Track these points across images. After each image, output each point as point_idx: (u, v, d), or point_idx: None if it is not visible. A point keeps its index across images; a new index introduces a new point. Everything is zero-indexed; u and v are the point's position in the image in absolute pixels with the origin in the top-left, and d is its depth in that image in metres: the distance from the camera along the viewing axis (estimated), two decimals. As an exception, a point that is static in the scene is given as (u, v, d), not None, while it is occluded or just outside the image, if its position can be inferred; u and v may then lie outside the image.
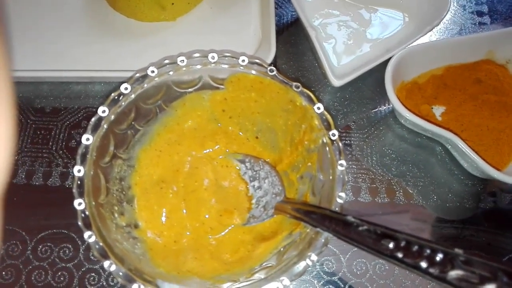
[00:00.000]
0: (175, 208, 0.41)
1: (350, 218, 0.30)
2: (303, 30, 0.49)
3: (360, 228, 0.29)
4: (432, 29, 0.48)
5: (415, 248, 0.26)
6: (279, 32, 0.55)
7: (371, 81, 0.51)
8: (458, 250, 0.25)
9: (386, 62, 0.46)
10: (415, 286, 0.43)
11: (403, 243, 0.27)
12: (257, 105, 0.42)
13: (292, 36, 0.55)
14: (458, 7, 0.59)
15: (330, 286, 0.43)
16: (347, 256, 0.44)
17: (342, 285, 0.43)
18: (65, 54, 0.52)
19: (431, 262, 0.25)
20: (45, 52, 0.52)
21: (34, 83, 0.51)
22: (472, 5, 0.59)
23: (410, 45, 0.47)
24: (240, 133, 0.45)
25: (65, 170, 0.47)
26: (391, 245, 0.27)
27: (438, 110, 0.49)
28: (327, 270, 0.44)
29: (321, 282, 0.43)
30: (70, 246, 0.44)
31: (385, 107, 0.51)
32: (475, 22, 0.58)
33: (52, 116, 0.50)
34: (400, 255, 0.27)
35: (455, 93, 0.49)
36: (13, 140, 0.22)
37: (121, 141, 0.39)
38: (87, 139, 0.36)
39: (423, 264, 0.25)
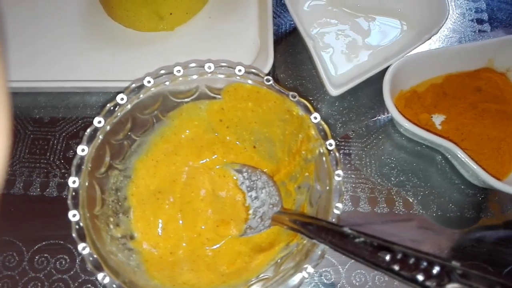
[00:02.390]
0: (171, 219, 0.41)
1: (346, 230, 0.30)
2: (301, 39, 0.49)
3: (357, 240, 0.29)
4: (430, 38, 0.48)
5: (412, 260, 0.26)
6: (278, 41, 0.55)
7: (370, 90, 0.51)
8: (455, 263, 0.24)
9: (384, 71, 0.45)
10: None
11: (399, 256, 0.26)
12: (254, 115, 0.42)
13: (290, 46, 0.55)
14: (457, 15, 0.58)
15: (329, 298, 0.42)
16: (346, 267, 0.43)
17: (341, 297, 0.42)
18: (63, 64, 0.52)
19: (428, 275, 0.25)
20: (42, 62, 0.52)
21: (32, 93, 0.51)
22: (472, 13, 0.58)
23: (409, 54, 0.46)
24: (238, 142, 0.44)
25: (62, 180, 0.47)
26: (387, 258, 0.27)
27: (438, 119, 0.48)
28: (325, 281, 0.43)
29: (320, 294, 0.43)
30: (66, 257, 0.44)
31: (384, 116, 0.50)
32: (475, 30, 0.57)
33: (50, 127, 0.50)
34: (396, 267, 0.26)
35: (455, 102, 0.48)
36: (8, 149, 0.21)
37: (117, 152, 0.39)
38: (82, 150, 0.35)
39: (420, 277, 0.25)
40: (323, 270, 0.43)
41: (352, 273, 0.43)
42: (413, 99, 0.47)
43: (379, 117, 0.50)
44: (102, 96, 0.51)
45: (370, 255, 0.28)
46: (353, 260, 0.43)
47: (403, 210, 0.46)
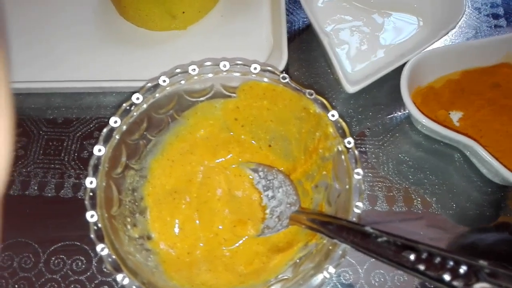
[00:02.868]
0: (188, 219, 0.41)
1: (368, 229, 0.30)
2: (315, 36, 0.49)
3: (380, 240, 0.28)
4: (447, 33, 0.47)
5: (438, 260, 0.25)
6: (291, 39, 0.54)
7: (386, 87, 0.50)
8: (482, 262, 0.24)
9: (400, 68, 0.45)
10: (433, 298, 0.42)
11: (424, 255, 0.26)
12: (269, 113, 0.42)
13: (304, 43, 0.55)
14: (473, 10, 0.57)
15: (348, 298, 0.42)
16: (365, 267, 0.43)
17: (360, 297, 0.42)
18: (76, 65, 0.52)
19: (455, 274, 0.24)
20: (55, 63, 0.52)
21: (46, 94, 0.51)
22: (488, 8, 0.58)
23: (426, 50, 0.46)
24: (253, 141, 0.44)
25: (77, 181, 0.47)
26: (412, 257, 0.26)
27: (455, 116, 0.47)
28: (344, 281, 0.42)
29: (338, 294, 0.42)
30: (82, 258, 0.44)
31: (400, 113, 0.50)
32: (491, 25, 0.56)
33: (64, 127, 0.50)
34: (422, 267, 0.26)
35: (473, 98, 0.48)
36: (9, 148, 0.21)
37: (133, 152, 0.39)
38: (99, 150, 0.35)
39: (447, 277, 0.24)
40: (342, 270, 0.43)
41: (371, 273, 0.43)
42: (430, 95, 0.47)
43: (395, 115, 0.50)
44: (116, 96, 0.51)
45: (394, 255, 0.27)
46: (372, 260, 0.43)
47: (421, 208, 0.45)
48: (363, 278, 0.42)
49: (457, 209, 0.45)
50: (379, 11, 0.53)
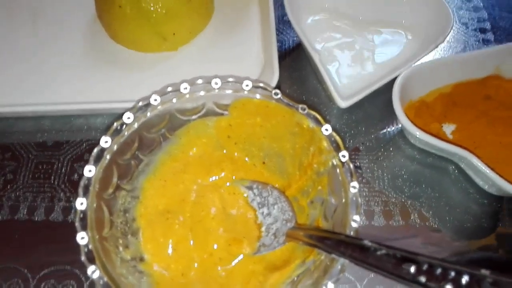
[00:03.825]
0: (181, 239, 0.40)
1: (367, 243, 0.29)
2: (306, 54, 0.49)
3: (379, 253, 0.28)
4: (436, 47, 0.47)
5: (439, 271, 0.25)
6: (281, 58, 0.54)
7: (378, 101, 0.50)
8: (484, 271, 0.23)
9: (392, 82, 0.45)
10: (437, 314, 0.41)
11: (425, 267, 0.25)
12: (263, 130, 0.41)
13: (294, 62, 0.55)
14: (460, 25, 0.58)
15: (347, 316, 0.41)
16: (364, 283, 0.42)
17: (360, 315, 0.41)
18: (66, 87, 0.52)
19: (457, 285, 0.24)
20: (44, 86, 0.52)
21: (35, 117, 0.51)
22: (475, 23, 0.58)
23: (416, 64, 0.46)
24: (247, 159, 0.43)
25: (67, 204, 0.46)
26: (412, 269, 0.26)
27: (448, 128, 0.47)
28: (343, 299, 0.41)
29: (338, 312, 0.41)
30: (74, 283, 0.42)
31: (393, 128, 0.50)
32: (479, 39, 0.57)
33: (54, 150, 0.49)
34: (423, 279, 0.25)
35: (465, 111, 0.48)
36: None
37: (124, 172, 0.38)
38: (89, 170, 0.34)
39: None
40: (340, 287, 0.42)
41: (371, 290, 0.42)
42: (422, 109, 0.47)
43: (389, 129, 0.50)
44: (107, 118, 0.51)
45: (394, 268, 0.27)
46: (371, 276, 0.42)
47: (419, 222, 0.45)
48: (363, 295, 0.42)
49: (455, 221, 0.45)
50: (367, 28, 0.54)
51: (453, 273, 0.24)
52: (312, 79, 0.53)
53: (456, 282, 0.23)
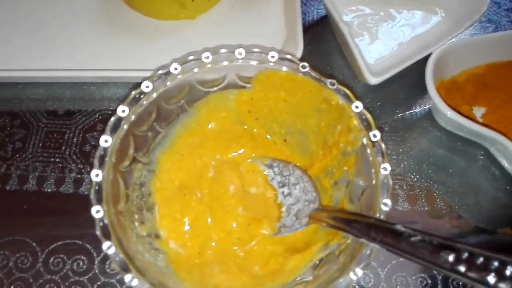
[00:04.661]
0: (199, 216, 0.38)
1: (400, 228, 0.27)
2: (331, 28, 0.46)
3: (413, 239, 0.26)
4: (472, 24, 0.45)
5: (480, 260, 0.23)
6: (304, 31, 0.51)
7: (405, 81, 0.48)
8: (530, 262, 0.22)
9: (420, 61, 0.43)
10: (461, 303, 0.39)
11: (465, 255, 0.23)
12: (286, 105, 0.39)
13: (317, 35, 0.52)
14: (493, 4, 0.56)
15: (368, 302, 0.39)
16: (386, 269, 0.40)
17: (381, 301, 0.39)
18: (79, 54, 0.49)
19: (500, 276, 0.22)
20: (57, 51, 0.49)
21: (46, 84, 0.48)
22: (507, 2, 0.56)
23: (451, 41, 0.43)
24: (267, 136, 0.41)
25: (79, 176, 0.44)
26: (451, 258, 0.24)
27: (478, 112, 0.45)
28: (364, 285, 0.40)
29: (358, 298, 0.40)
30: (84, 258, 0.41)
31: (420, 109, 0.48)
32: (511, 20, 0.54)
33: (65, 119, 0.47)
34: (462, 268, 0.23)
35: (496, 94, 0.46)
36: None
37: (141, 144, 0.36)
38: (105, 140, 0.32)
39: (491, 279, 0.22)
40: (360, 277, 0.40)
41: (393, 276, 0.40)
42: (452, 90, 0.45)
43: (416, 110, 0.48)
44: (120, 88, 0.48)
45: (430, 255, 0.25)
46: (393, 262, 0.41)
47: (444, 208, 0.43)
48: (384, 281, 0.40)
49: (482, 208, 0.43)
50: (398, 2, 0.51)
51: (496, 263, 0.22)
52: (336, 54, 0.50)
53: (499, 272, 0.22)
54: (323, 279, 0.31)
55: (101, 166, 0.32)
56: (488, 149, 0.45)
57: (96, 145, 0.32)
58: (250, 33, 0.51)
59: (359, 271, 0.30)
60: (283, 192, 0.39)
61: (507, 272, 0.22)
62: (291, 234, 0.37)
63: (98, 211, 0.31)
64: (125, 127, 0.33)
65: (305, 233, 0.37)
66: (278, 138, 0.41)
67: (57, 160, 0.45)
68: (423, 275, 0.40)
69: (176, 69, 0.35)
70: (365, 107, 0.33)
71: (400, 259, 0.41)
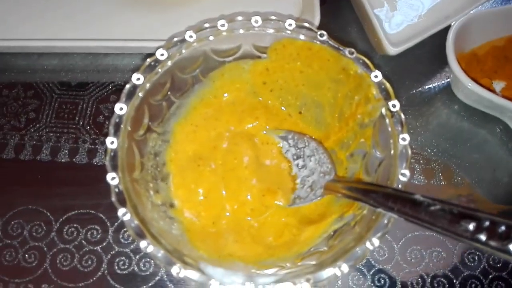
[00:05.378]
0: (213, 186, 0.38)
1: (419, 197, 0.27)
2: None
3: (432, 208, 0.25)
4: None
5: (502, 229, 0.22)
6: (320, 2, 0.50)
7: (423, 54, 0.47)
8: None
9: (439, 33, 0.42)
10: (476, 278, 0.39)
11: (486, 224, 0.23)
12: (302, 76, 0.38)
13: (334, 7, 0.51)
14: (515, -24, 0.54)
15: (382, 275, 0.39)
16: (400, 243, 0.40)
17: (395, 274, 0.39)
18: (94, 23, 0.48)
19: (523, 244, 0.21)
20: (72, 21, 0.48)
21: (59, 54, 0.48)
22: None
23: (471, 13, 0.42)
24: (282, 108, 0.41)
25: (92, 146, 0.44)
26: (471, 227, 0.23)
27: (498, 86, 0.44)
28: (378, 258, 0.40)
29: (372, 271, 0.39)
30: (98, 227, 0.41)
31: (439, 83, 0.47)
32: (534, -7, 0.53)
33: (78, 90, 0.47)
34: (483, 237, 0.23)
35: (517, 67, 0.44)
36: None
37: (155, 114, 0.36)
38: (120, 108, 0.32)
39: None
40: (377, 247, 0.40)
41: (407, 250, 0.40)
42: (472, 63, 0.44)
43: (434, 83, 0.47)
44: (134, 59, 0.48)
45: (450, 224, 0.24)
46: (408, 235, 0.40)
47: (461, 182, 0.42)
48: (399, 254, 0.40)
49: (499, 183, 0.42)
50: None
51: (518, 232, 0.22)
52: (352, 26, 0.49)
53: (522, 241, 0.21)
54: (339, 249, 0.31)
55: (116, 133, 0.32)
56: (507, 124, 0.44)
57: (110, 116, 0.31)
58: (266, 3, 0.49)
59: (376, 241, 0.29)
60: (297, 164, 0.39)
61: (530, 240, 0.21)
62: (305, 206, 0.37)
63: (113, 178, 0.30)
64: (140, 95, 0.33)
65: (319, 205, 0.37)
66: (293, 110, 0.41)
67: (71, 131, 0.45)
68: (438, 249, 0.40)
69: (191, 36, 0.35)
70: (384, 76, 0.33)
71: (415, 233, 0.40)
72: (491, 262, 0.39)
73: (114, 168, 0.31)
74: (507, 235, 0.22)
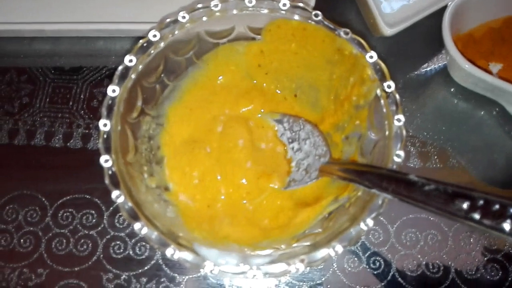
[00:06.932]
0: (208, 170, 0.38)
1: (413, 177, 0.26)
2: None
3: (427, 188, 0.25)
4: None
5: (496, 207, 0.22)
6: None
7: (420, 35, 0.46)
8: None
9: (435, 14, 0.42)
10: (471, 259, 0.39)
11: (480, 202, 0.23)
12: (297, 58, 0.38)
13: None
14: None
15: (377, 257, 0.39)
16: (396, 225, 0.40)
17: (390, 257, 0.39)
18: (86, 6, 0.48)
19: (517, 222, 0.21)
20: (63, 5, 0.48)
21: (52, 39, 0.48)
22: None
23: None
24: (278, 91, 0.40)
25: (86, 131, 0.44)
26: (465, 206, 0.23)
27: (494, 68, 0.44)
28: (374, 240, 0.40)
29: (367, 254, 0.39)
30: (93, 212, 0.41)
31: (435, 65, 0.46)
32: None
33: (72, 74, 0.46)
34: (477, 216, 0.22)
35: (514, 49, 0.44)
36: None
37: (149, 96, 0.36)
38: (113, 90, 0.32)
39: (507, 226, 0.21)
40: (371, 228, 0.40)
41: (403, 232, 0.40)
42: (469, 44, 0.43)
43: (430, 66, 0.46)
44: (127, 43, 0.48)
45: (444, 204, 0.24)
46: (404, 218, 0.40)
47: (457, 165, 0.42)
48: (394, 237, 0.40)
49: (495, 166, 0.42)
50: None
51: (512, 210, 0.21)
52: (348, 10, 0.49)
53: (515, 219, 0.21)
54: (333, 230, 0.31)
55: (109, 115, 0.31)
56: (503, 106, 0.43)
57: (105, 95, 0.31)
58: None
59: (370, 221, 0.29)
60: (293, 148, 0.38)
61: (524, 219, 0.21)
62: (301, 189, 0.37)
63: (106, 160, 0.30)
64: (133, 76, 0.33)
65: (314, 188, 0.37)
66: (288, 93, 0.40)
67: (65, 115, 0.45)
68: (433, 231, 0.40)
69: (184, 17, 0.34)
70: (379, 58, 0.32)
71: (410, 216, 0.40)
72: (486, 245, 0.40)
73: (107, 151, 0.30)
74: (501, 213, 0.22)
